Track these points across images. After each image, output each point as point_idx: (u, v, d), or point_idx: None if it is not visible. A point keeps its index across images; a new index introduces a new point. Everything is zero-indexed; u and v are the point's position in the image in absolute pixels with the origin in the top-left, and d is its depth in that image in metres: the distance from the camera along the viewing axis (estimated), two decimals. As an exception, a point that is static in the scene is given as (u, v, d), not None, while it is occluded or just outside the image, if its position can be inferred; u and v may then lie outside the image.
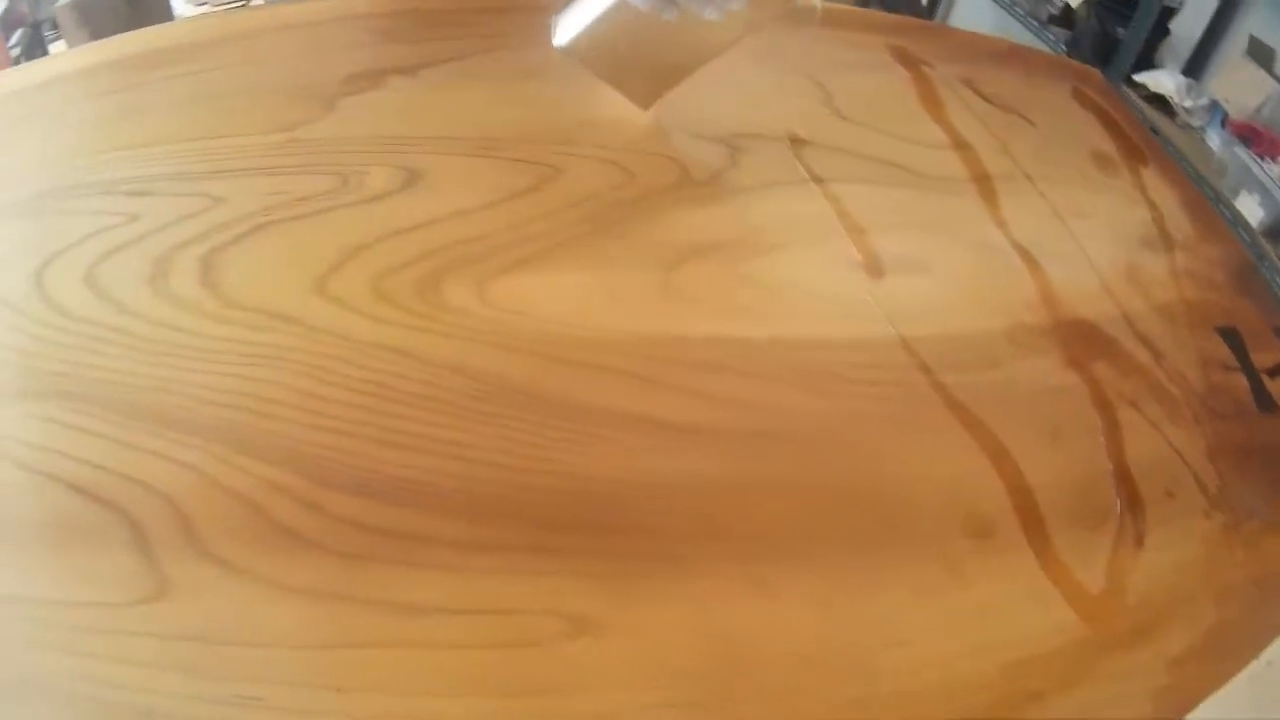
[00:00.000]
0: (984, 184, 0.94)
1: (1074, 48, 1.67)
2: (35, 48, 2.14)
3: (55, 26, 2.16)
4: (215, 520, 0.60)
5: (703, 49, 0.85)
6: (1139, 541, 0.68)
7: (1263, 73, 1.48)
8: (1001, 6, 2.34)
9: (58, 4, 1.82)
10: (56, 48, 2.09)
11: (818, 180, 0.85)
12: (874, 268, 0.79)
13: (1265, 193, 1.27)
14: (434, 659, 0.55)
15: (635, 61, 0.85)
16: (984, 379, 0.73)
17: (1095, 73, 1.24)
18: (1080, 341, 0.81)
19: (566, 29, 0.83)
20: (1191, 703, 0.61)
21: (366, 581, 0.58)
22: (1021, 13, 2.23)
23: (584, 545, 0.60)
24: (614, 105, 0.88)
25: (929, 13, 2.69)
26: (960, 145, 0.98)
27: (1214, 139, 1.45)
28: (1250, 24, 1.55)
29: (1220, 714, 0.60)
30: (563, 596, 0.57)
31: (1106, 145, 1.10)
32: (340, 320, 0.69)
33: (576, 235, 0.76)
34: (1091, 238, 0.93)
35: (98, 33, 0.92)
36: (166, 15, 1.94)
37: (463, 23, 0.96)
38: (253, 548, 0.59)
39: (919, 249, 0.83)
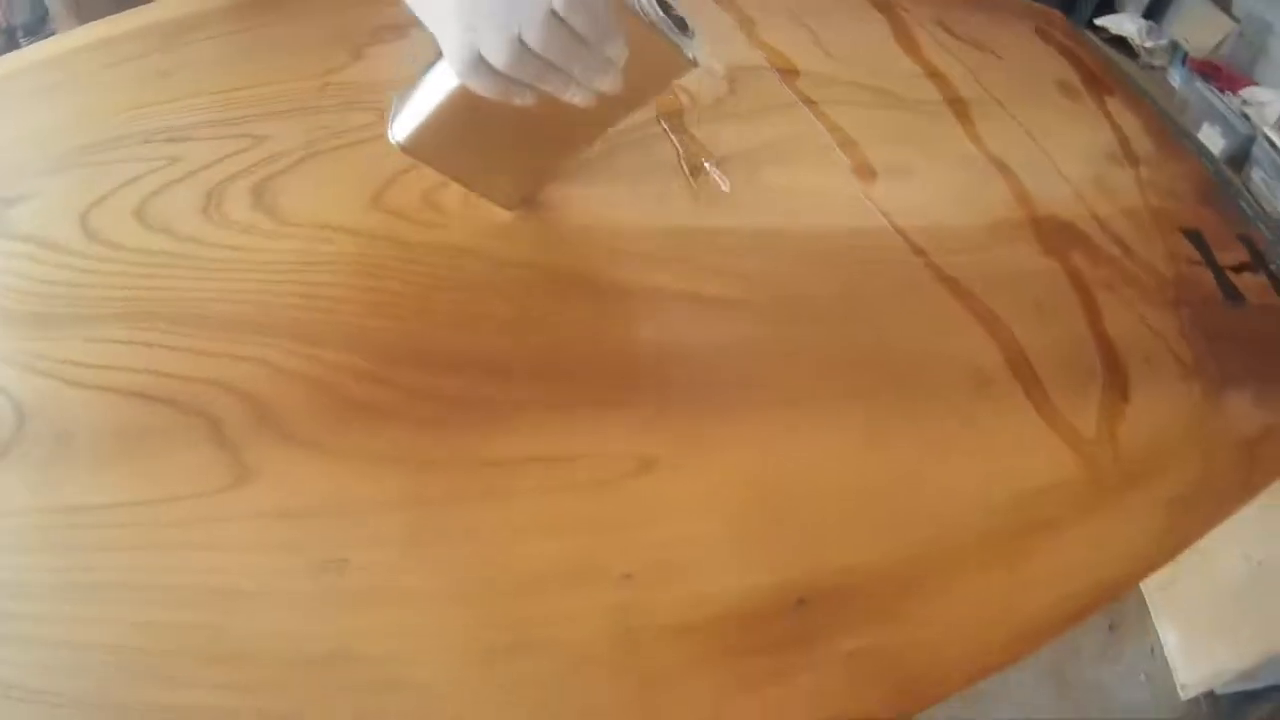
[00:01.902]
0: (958, 107, 1.02)
1: None
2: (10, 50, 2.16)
3: (29, 33, 2.19)
4: (290, 406, 0.64)
5: (572, 139, 0.74)
6: (1124, 397, 0.76)
7: (1220, 13, 1.57)
8: None
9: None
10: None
11: (809, 103, 0.93)
12: (866, 173, 0.87)
13: (1226, 123, 1.34)
14: (515, 504, 0.61)
15: (490, 159, 0.72)
16: (971, 259, 0.81)
17: (1057, 13, 1.33)
18: (1055, 234, 0.89)
19: (404, 123, 0.68)
20: (1187, 542, 0.68)
21: (442, 443, 0.63)
22: None
23: (643, 399, 0.66)
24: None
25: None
26: (935, 75, 1.06)
27: (1175, 77, 1.52)
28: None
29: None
30: (630, 441, 0.64)
31: (1070, 76, 1.18)
32: (396, 227, 0.75)
33: (604, 151, 0.82)
34: (1061, 153, 1.01)
35: (87, 18, 0.97)
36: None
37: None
38: (330, 425, 0.63)
39: (903, 158, 0.91)
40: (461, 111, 0.65)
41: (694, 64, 0.64)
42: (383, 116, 0.71)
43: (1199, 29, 1.56)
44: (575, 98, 0.62)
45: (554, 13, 0.57)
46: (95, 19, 0.94)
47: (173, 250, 0.73)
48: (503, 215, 0.77)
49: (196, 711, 0.53)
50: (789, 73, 0.96)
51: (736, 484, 0.63)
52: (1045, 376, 0.75)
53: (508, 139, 0.69)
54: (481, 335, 0.69)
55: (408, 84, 0.67)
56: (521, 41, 0.58)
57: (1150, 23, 1.59)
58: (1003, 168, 0.95)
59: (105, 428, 0.63)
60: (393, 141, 0.68)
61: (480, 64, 0.59)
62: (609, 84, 0.62)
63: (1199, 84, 1.39)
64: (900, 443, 0.67)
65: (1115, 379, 0.78)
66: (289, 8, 0.95)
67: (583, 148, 0.76)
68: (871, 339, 0.73)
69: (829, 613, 0.57)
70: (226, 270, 0.71)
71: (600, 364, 0.68)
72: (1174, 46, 1.55)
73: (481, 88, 0.61)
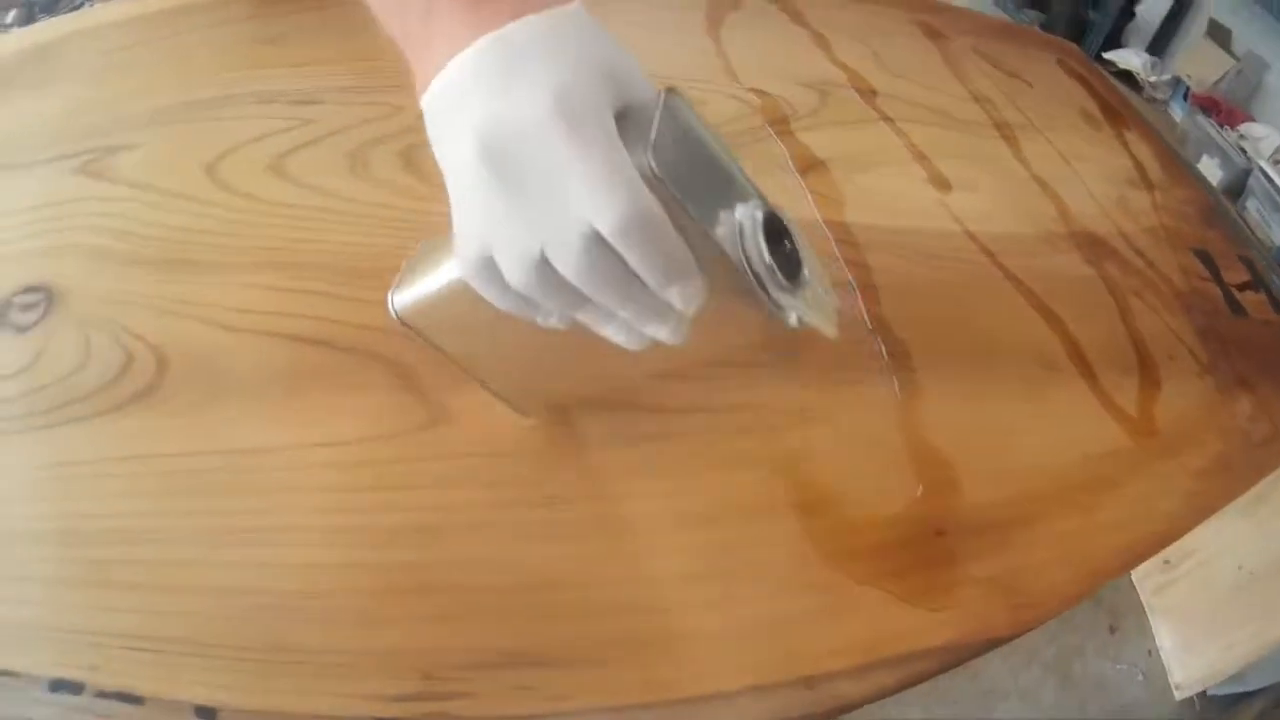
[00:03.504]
0: (1004, 130, 1.15)
1: (1048, 29, 1.85)
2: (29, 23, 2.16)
3: (45, 10, 2.22)
4: None
5: (611, 373, 0.61)
6: (1157, 385, 0.89)
7: (1221, 50, 1.70)
8: None
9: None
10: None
11: (887, 120, 1.06)
12: (940, 183, 1.00)
13: (1224, 156, 1.45)
14: (692, 445, 0.68)
15: (505, 363, 0.59)
16: (1030, 263, 0.94)
17: (1075, 47, 1.47)
18: (1091, 246, 1.02)
19: (405, 292, 0.54)
20: (1212, 507, 0.79)
21: (628, 389, 0.69)
22: None
23: (789, 361, 0.76)
24: (727, 55, 1.09)
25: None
26: (981, 99, 1.19)
27: (1177, 110, 1.64)
28: (1208, 7, 1.77)
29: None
30: (789, 395, 0.73)
31: (1090, 106, 1.32)
32: None
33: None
34: (1089, 175, 1.14)
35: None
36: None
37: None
38: None
39: (967, 173, 1.03)
40: (470, 304, 0.48)
41: (795, 327, 0.47)
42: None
43: (1200, 65, 1.66)
44: (618, 338, 0.47)
45: (598, 237, 0.41)
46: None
47: (321, 205, 0.75)
48: None
49: (424, 652, 0.55)
50: (867, 92, 1.09)
51: (883, 435, 0.74)
52: (1095, 362, 0.87)
53: (527, 350, 0.55)
54: None
55: (426, 242, 0.55)
56: (546, 263, 0.43)
57: (1154, 58, 1.70)
58: (1044, 186, 1.08)
59: (270, 371, 0.64)
60: (390, 310, 0.54)
61: (492, 272, 0.45)
62: (667, 334, 0.46)
63: (1199, 118, 1.51)
64: (994, 406, 0.79)
65: (1148, 370, 0.90)
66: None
67: (625, 384, 0.67)
68: (959, 319, 0.86)
69: (962, 541, 0.68)
70: (384, 227, 0.72)
71: None
72: (1176, 81, 1.66)
73: (491, 298, 0.46)
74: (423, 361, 0.66)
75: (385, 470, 0.62)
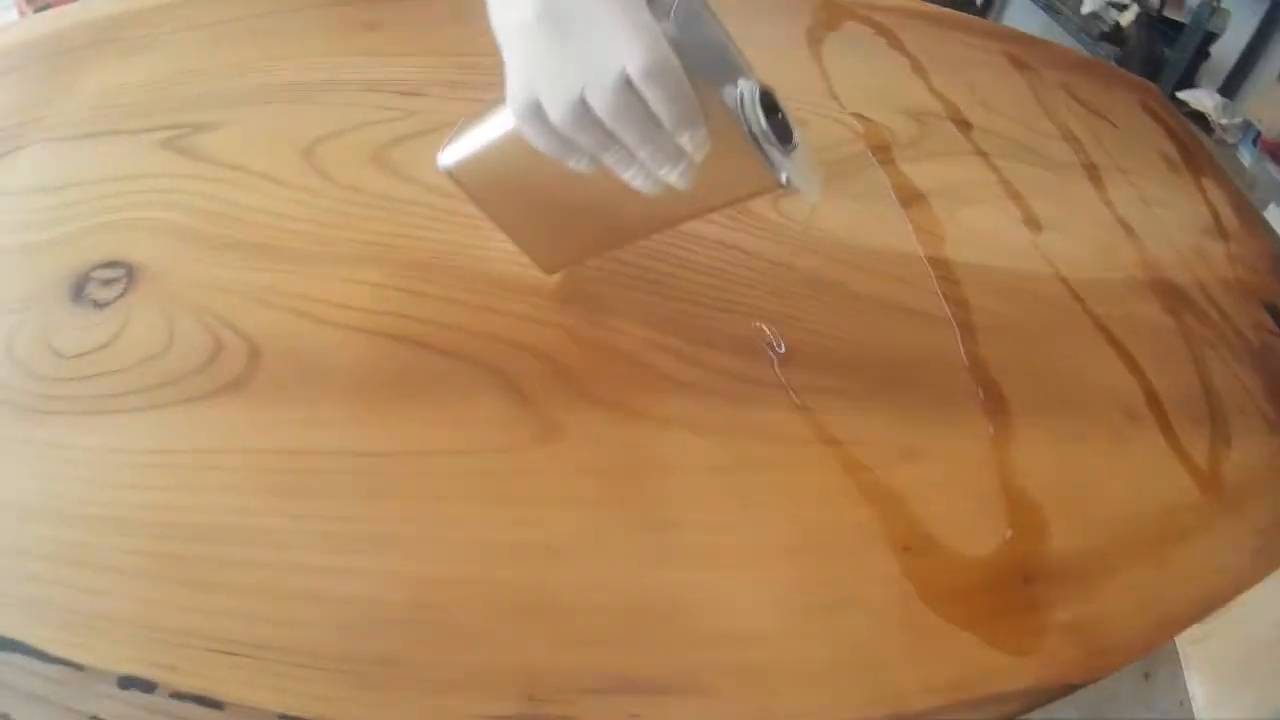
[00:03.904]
0: (1091, 171, 1.17)
1: (1123, 65, 1.85)
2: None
3: None
4: (592, 370, 0.68)
5: (625, 226, 0.68)
6: (1227, 441, 0.91)
7: (1293, 96, 1.71)
8: (1056, 21, 2.48)
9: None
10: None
11: (982, 154, 1.08)
12: (1033, 224, 1.02)
13: None
14: (813, 477, 0.70)
15: (535, 214, 0.67)
16: (1115, 310, 0.96)
17: (1155, 88, 1.48)
18: (1170, 295, 1.04)
19: (455, 149, 0.62)
20: (1275, 565, 0.80)
21: (739, 415, 0.71)
22: (1074, 28, 2.36)
23: (897, 396, 0.78)
24: (829, 76, 1.11)
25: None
26: (1069, 138, 1.21)
27: (1246, 155, 1.65)
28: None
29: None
30: (894, 431, 0.75)
31: (1170, 150, 1.33)
32: None
33: (833, 175, 0.95)
34: (1169, 221, 1.15)
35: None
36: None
37: None
38: (632, 391, 0.68)
39: (1057, 213, 1.05)
40: (513, 156, 0.59)
41: (782, 186, 0.56)
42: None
43: (1272, 110, 1.67)
44: (636, 181, 0.56)
45: (628, 79, 0.50)
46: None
47: (426, 201, 0.75)
48: (761, 211, 0.86)
49: (529, 673, 0.54)
50: (963, 124, 1.11)
51: (975, 477, 0.75)
52: (1171, 415, 0.89)
53: (557, 200, 0.64)
54: (749, 324, 0.78)
55: (470, 115, 0.62)
56: (584, 103, 0.52)
57: (1226, 100, 1.71)
58: (1129, 231, 1.10)
59: (371, 371, 0.64)
60: (439, 165, 0.62)
61: (538, 113, 0.53)
62: (677, 177, 0.55)
63: (1268, 164, 1.53)
64: (1079, 452, 0.81)
65: (1219, 425, 0.92)
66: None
67: (635, 237, 0.72)
68: (1049, 363, 0.88)
69: (1048, 587, 0.70)
70: (486, 226, 0.69)
71: (851, 361, 0.79)
72: (1246, 125, 1.67)
73: (535, 139, 0.55)
74: (531, 373, 0.66)
75: (500, 484, 0.62)
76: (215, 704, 0.49)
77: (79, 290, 0.65)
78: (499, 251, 0.71)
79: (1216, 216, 1.23)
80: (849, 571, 0.66)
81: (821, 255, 0.87)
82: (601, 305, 0.74)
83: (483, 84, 0.86)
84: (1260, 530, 0.84)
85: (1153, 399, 0.90)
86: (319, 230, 0.71)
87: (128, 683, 0.49)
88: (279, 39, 0.88)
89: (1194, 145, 1.36)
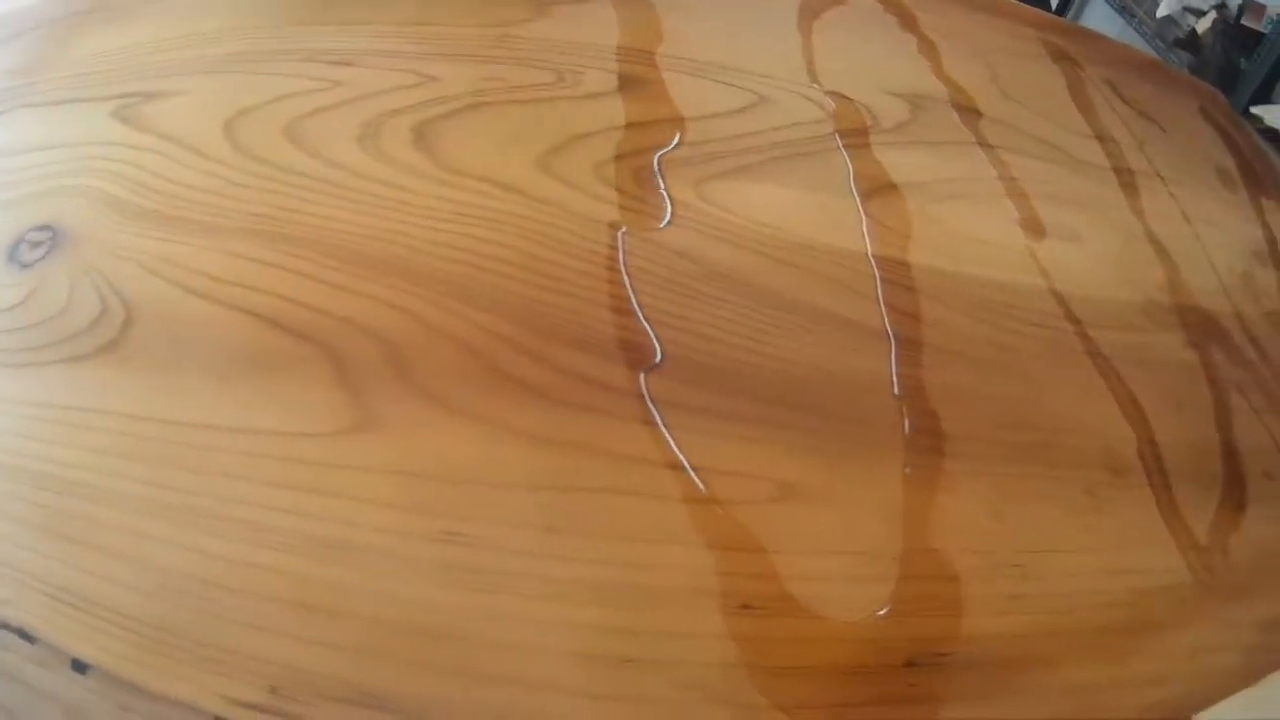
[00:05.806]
0: (1124, 176, 1.02)
1: (1196, 73, 1.74)
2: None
3: None
4: (431, 361, 0.63)
5: None
6: (1241, 509, 0.75)
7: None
8: (1130, 25, 2.39)
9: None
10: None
11: (987, 146, 0.93)
12: (1033, 229, 0.87)
13: None
14: (648, 507, 0.59)
15: None
16: (1121, 339, 0.81)
17: (1220, 95, 1.32)
18: (1199, 326, 0.88)
19: None
20: (1274, 667, 0.67)
21: (586, 430, 0.62)
22: (1149, 33, 2.28)
23: (793, 421, 0.66)
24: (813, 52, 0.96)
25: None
26: (1104, 138, 1.06)
27: None
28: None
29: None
30: (774, 463, 0.63)
31: (1228, 163, 1.17)
32: (562, 195, 0.74)
33: (782, 156, 0.83)
34: (1212, 242, 1.00)
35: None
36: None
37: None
38: (470, 390, 0.63)
39: (1069, 220, 0.90)
40: None
41: None
42: (561, 77, 0.72)
43: None
44: None
45: None
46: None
47: (323, 176, 0.73)
48: (676, 192, 0.77)
49: (284, 667, 0.53)
50: (970, 111, 0.96)
51: (868, 523, 0.63)
52: (1171, 472, 0.74)
53: None
54: (638, 326, 0.68)
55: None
56: None
57: None
58: (1159, 247, 0.94)
59: (223, 346, 0.63)
60: None
61: None
62: None
63: None
64: (1033, 512, 0.67)
65: (1234, 488, 0.77)
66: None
67: None
68: (1019, 397, 0.73)
69: (935, 679, 0.57)
70: (379, 207, 0.70)
71: (755, 376, 0.68)
72: None
73: None
74: (369, 360, 0.63)
75: (299, 471, 0.58)
76: (30, 638, 0.52)
77: (13, 251, 0.69)
78: (363, 227, 0.69)
79: (1272, 241, 1.07)
80: (665, 625, 0.56)
81: (739, 247, 0.75)
82: (467, 292, 0.67)
83: (416, 54, 0.84)
84: (1262, 624, 0.70)
85: (1150, 451, 0.75)
86: (218, 202, 0.71)
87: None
88: (262, 6, 0.88)
89: (1259, 160, 1.19)
